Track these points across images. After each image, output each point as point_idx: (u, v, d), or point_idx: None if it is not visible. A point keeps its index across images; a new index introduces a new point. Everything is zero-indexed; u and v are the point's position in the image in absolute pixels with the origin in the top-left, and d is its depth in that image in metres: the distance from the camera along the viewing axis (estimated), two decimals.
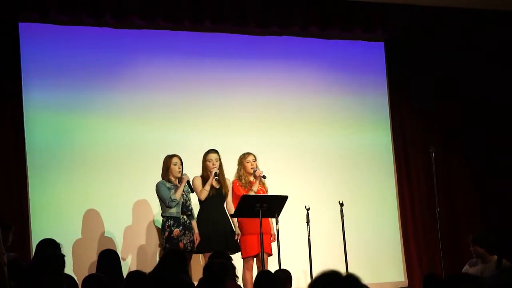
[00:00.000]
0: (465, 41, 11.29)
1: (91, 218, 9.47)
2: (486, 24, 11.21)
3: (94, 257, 9.04)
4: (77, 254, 9.24)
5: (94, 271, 7.94)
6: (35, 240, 8.44)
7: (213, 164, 8.94)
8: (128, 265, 9.33)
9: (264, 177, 8.98)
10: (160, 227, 9.06)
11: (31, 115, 9.41)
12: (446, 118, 11.22)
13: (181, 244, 8.65)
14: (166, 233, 8.71)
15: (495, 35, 11.28)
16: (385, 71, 11.18)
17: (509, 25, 11.31)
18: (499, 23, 11.26)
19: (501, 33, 11.29)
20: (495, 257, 8.13)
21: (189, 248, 8.70)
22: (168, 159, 8.95)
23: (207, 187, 8.89)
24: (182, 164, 8.95)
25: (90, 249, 9.32)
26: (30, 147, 9.32)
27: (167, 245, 8.66)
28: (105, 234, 9.51)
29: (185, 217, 8.83)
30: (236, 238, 8.94)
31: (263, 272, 7.40)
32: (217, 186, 8.95)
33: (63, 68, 9.65)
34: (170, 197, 8.73)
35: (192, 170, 9.04)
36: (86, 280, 6.01)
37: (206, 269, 6.34)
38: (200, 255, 9.22)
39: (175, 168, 8.89)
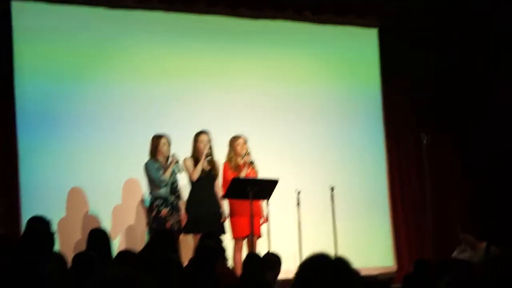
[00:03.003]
0: (459, 29, 11.27)
1: (77, 196, 9.45)
2: (482, 12, 11.19)
3: (80, 235, 9.05)
4: (64, 231, 9.23)
5: (80, 249, 7.93)
6: (25, 216, 8.43)
7: (204, 146, 8.95)
8: (117, 244, 9.33)
9: (252, 162, 8.98)
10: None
11: (22, 93, 9.38)
12: (438, 106, 11.23)
13: (168, 224, 8.65)
14: (154, 213, 8.71)
15: (491, 22, 11.26)
16: (378, 58, 11.17)
17: (507, 14, 11.29)
18: (495, 10, 11.24)
19: (497, 21, 11.28)
20: (484, 244, 8.17)
21: (175, 228, 8.70)
22: (156, 139, 8.93)
23: (199, 167, 8.90)
24: (170, 145, 8.95)
25: (76, 227, 9.31)
26: (20, 122, 9.30)
27: (154, 224, 8.66)
28: (92, 213, 9.49)
29: (173, 197, 8.84)
30: (222, 221, 8.96)
31: (252, 254, 7.42)
32: (207, 168, 8.95)
33: (56, 47, 9.61)
34: (160, 178, 8.73)
35: (182, 150, 9.04)
36: (76, 258, 6.00)
37: (198, 250, 6.34)
38: (190, 236, 9.22)
39: (163, 148, 8.89)
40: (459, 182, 11.19)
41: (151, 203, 8.79)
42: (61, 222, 9.28)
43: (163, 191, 8.76)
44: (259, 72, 10.49)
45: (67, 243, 9.07)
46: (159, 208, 8.71)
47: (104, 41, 9.85)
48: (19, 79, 9.37)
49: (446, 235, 10.56)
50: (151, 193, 8.83)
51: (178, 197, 8.94)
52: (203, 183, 8.94)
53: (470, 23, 11.21)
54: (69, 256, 6.14)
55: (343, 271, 2.14)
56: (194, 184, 8.95)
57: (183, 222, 8.85)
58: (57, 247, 8.37)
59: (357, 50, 11.11)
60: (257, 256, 7.15)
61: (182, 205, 8.96)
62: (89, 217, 9.44)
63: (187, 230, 8.89)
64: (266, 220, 8.87)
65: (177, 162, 8.87)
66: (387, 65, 11.15)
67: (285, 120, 10.52)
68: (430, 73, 11.24)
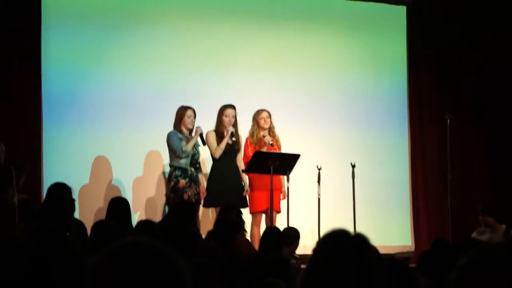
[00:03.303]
0: (489, 7, 11.13)
1: (101, 164, 9.51)
2: None
3: (102, 204, 9.10)
4: (84, 199, 9.29)
5: (100, 217, 7.98)
6: (46, 183, 8.49)
7: (230, 120, 8.93)
8: (136, 214, 9.38)
9: (272, 144, 8.95)
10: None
11: (48, 59, 9.42)
12: (463, 85, 11.14)
13: (185, 195, 8.65)
14: (172, 183, 8.73)
15: None
16: (406, 36, 11.10)
17: None
18: None
19: None
20: (504, 226, 8.14)
21: (193, 200, 8.70)
22: (182, 110, 8.92)
23: (223, 145, 8.88)
24: (195, 117, 8.94)
25: (99, 195, 9.37)
26: (46, 90, 9.36)
27: (172, 195, 8.68)
28: (114, 183, 9.55)
29: (192, 169, 8.85)
30: (244, 194, 8.98)
31: (271, 228, 7.44)
32: (230, 142, 8.94)
33: (83, 12, 9.64)
34: (181, 148, 8.73)
35: (204, 122, 9.04)
36: (96, 226, 6.04)
37: (218, 222, 6.36)
38: (211, 209, 9.26)
39: (188, 120, 8.88)
40: (481, 164, 11.13)
41: (170, 173, 8.81)
42: (84, 189, 9.35)
43: (183, 162, 8.77)
44: (283, 47, 10.45)
45: (89, 210, 9.14)
46: (177, 179, 8.72)
47: (128, 15, 9.86)
48: (46, 38, 9.44)
49: (466, 217, 10.53)
50: (171, 163, 8.84)
51: (198, 169, 8.95)
52: (226, 158, 8.94)
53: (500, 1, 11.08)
54: (90, 223, 6.19)
55: (362, 248, 2.14)
56: (217, 159, 8.95)
57: (202, 195, 8.86)
58: (78, 214, 8.47)
59: (385, 27, 11.03)
60: (276, 230, 7.16)
61: (201, 177, 8.98)
62: (111, 187, 9.50)
63: (209, 203, 8.92)
64: (284, 196, 8.86)
65: (201, 134, 8.86)
66: (415, 43, 11.07)
67: (309, 96, 10.48)
68: (457, 53, 11.14)
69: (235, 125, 8.98)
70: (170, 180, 8.77)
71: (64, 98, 9.44)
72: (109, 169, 9.55)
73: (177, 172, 8.73)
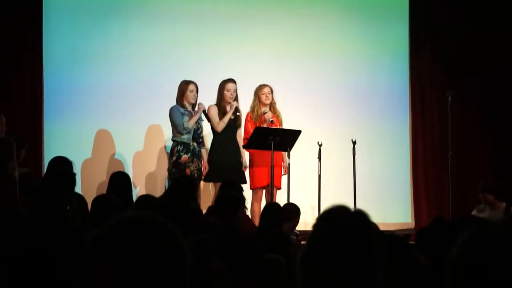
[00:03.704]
0: None
1: (103, 139, 9.53)
2: None
3: (103, 178, 9.12)
4: (86, 173, 9.31)
5: (102, 191, 7.99)
6: (47, 157, 8.51)
7: (231, 95, 8.93)
8: (137, 189, 9.40)
9: (272, 121, 8.93)
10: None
11: (49, 35, 9.46)
12: (466, 63, 11.10)
13: (187, 170, 8.67)
14: (174, 158, 8.73)
15: None
16: (408, 11, 11.05)
17: None
18: None
19: None
20: (504, 204, 8.15)
21: (195, 175, 8.72)
22: (184, 85, 8.92)
23: (226, 119, 8.88)
24: (197, 92, 8.93)
25: (99, 170, 9.39)
26: (48, 68, 9.39)
27: (173, 169, 8.69)
28: (116, 157, 9.57)
29: (195, 144, 8.85)
30: (243, 170, 8.99)
31: (271, 204, 7.45)
32: (232, 117, 8.95)
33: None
34: (183, 124, 8.72)
35: (205, 97, 9.04)
36: (96, 200, 6.05)
37: (219, 199, 6.35)
38: (211, 184, 9.26)
39: (190, 95, 8.87)
40: (482, 142, 11.11)
41: (172, 148, 8.82)
42: (86, 163, 9.37)
43: (186, 137, 8.77)
44: (286, 25, 10.43)
45: (91, 185, 9.16)
46: (179, 154, 8.72)
47: None
48: (47, 18, 9.45)
49: (466, 194, 10.54)
50: (173, 138, 8.84)
51: (201, 143, 8.95)
52: (227, 132, 8.94)
53: None
54: (91, 197, 6.20)
55: (362, 224, 2.14)
56: (218, 134, 8.95)
57: (205, 171, 8.87)
58: (79, 188, 8.49)
59: (387, 8, 10.97)
60: (276, 205, 7.17)
61: (204, 152, 8.98)
62: (113, 161, 9.52)
63: (209, 178, 8.93)
64: (285, 172, 8.88)
65: (204, 111, 8.87)
66: (417, 24, 11.01)
67: (311, 73, 10.46)
68: (459, 34, 11.07)
69: (236, 99, 8.98)
70: (172, 155, 8.77)
71: (66, 74, 9.45)
72: (111, 144, 9.56)
73: (179, 147, 8.74)
